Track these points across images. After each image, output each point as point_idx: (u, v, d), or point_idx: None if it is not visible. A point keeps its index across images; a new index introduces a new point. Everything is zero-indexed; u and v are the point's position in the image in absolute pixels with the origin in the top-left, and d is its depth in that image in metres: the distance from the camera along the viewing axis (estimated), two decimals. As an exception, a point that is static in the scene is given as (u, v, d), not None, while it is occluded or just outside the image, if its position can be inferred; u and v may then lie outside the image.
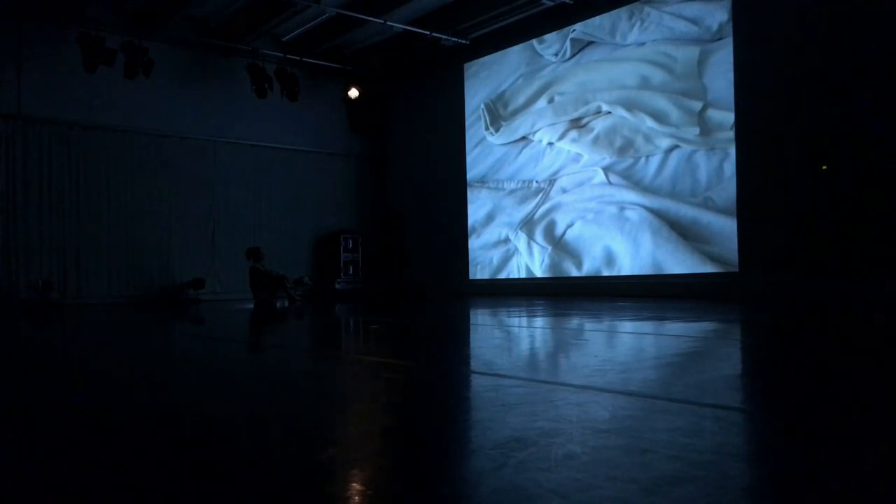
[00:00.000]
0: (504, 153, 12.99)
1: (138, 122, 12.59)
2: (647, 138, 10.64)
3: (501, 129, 13.02)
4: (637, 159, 10.77)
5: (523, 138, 12.60)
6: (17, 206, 11.50)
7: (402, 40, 13.41)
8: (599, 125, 11.32)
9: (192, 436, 2.06)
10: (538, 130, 12.31)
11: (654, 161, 10.53)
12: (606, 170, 11.16)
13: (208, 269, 13.23)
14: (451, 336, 5.52)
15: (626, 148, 10.93)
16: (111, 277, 12.34)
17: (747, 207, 9.35)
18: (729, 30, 9.66)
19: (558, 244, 11.83)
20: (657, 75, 10.56)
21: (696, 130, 10.00)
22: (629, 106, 10.87)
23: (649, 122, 10.58)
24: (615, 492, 1.39)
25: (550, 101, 12.11)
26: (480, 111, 13.41)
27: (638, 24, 10.79)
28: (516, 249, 12.62)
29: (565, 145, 11.85)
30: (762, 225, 9.14)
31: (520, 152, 12.67)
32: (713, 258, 9.74)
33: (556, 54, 12.03)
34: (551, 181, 12.03)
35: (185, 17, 12.58)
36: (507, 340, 4.92)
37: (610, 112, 11.16)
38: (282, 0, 11.78)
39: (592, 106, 11.41)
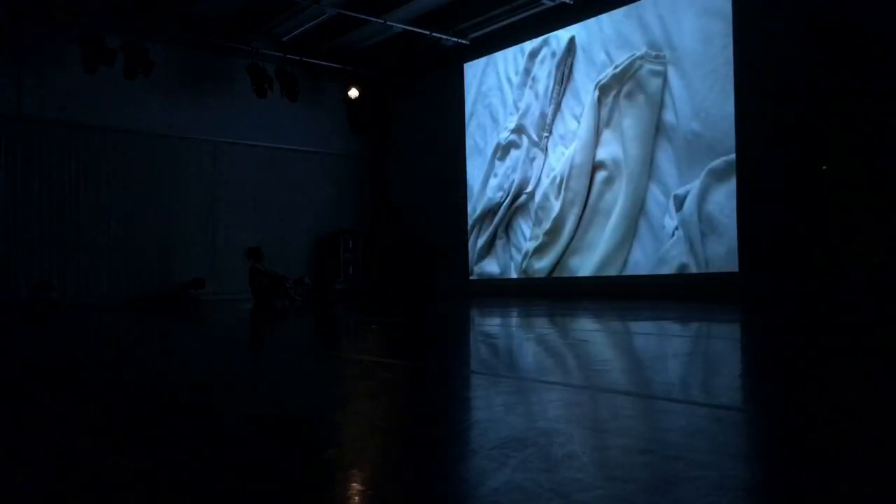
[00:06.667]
0: (503, 152, 12.99)
1: (138, 122, 12.59)
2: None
3: (502, 128, 13.03)
4: (637, 159, 10.77)
5: (522, 136, 12.60)
6: (17, 206, 11.50)
7: (402, 40, 13.41)
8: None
9: (191, 436, 2.06)
10: (537, 129, 12.32)
11: (655, 161, 10.52)
12: (606, 168, 11.16)
13: (208, 269, 13.23)
14: (450, 336, 5.52)
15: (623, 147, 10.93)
16: (111, 277, 12.34)
17: (747, 207, 9.34)
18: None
19: (557, 243, 11.83)
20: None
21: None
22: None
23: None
24: (615, 492, 1.39)
25: (550, 100, 12.11)
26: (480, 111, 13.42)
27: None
28: (515, 247, 12.62)
29: (564, 148, 11.86)
30: (762, 225, 9.14)
31: (519, 151, 12.67)
32: (713, 258, 9.74)
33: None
34: (550, 180, 12.02)
35: (185, 16, 12.58)
36: (506, 340, 4.92)
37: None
38: (282, 0, 11.78)
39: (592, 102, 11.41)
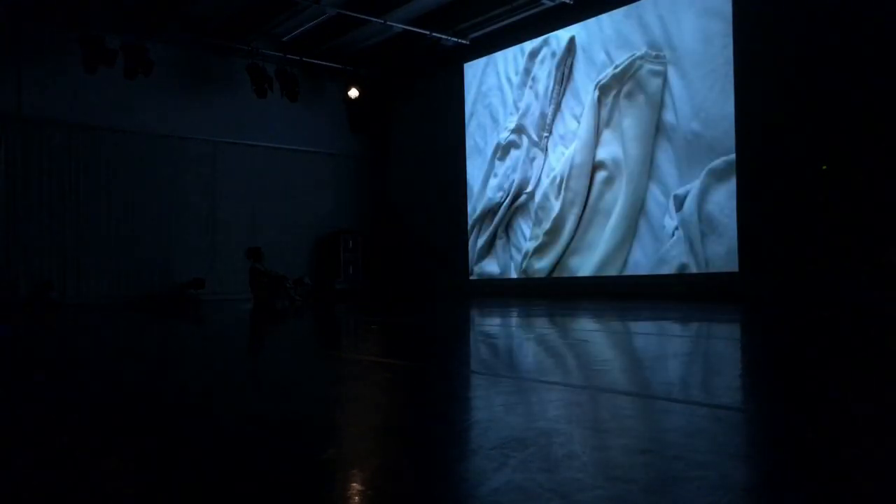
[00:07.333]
0: (503, 152, 12.99)
1: (138, 122, 12.59)
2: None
3: (502, 128, 13.04)
4: (637, 159, 10.77)
5: (522, 136, 12.61)
6: (17, 206, 11.50)
7: (402, 40, 13.41)
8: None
9: (191, 436, 2.06)
10: (537, 129, 12.32)
11: (655, 161, 10.52)
12: (606, 168, 11.16)
13: (208, 269, 13.22)
14: (450, 336, 5.52)
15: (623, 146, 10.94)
16: (111, 277, 12.34)
17: (747, 207, 9.34)
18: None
19: (557, 243, 11.83)
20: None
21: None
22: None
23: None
24: (615, 492, 1.39)
25: (550, 100, 12.11)
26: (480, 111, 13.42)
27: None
28: (515, 247, 12.62)
29: (564, 148, 11.86)
30: (762, 225, 9.14)
31: (519, 151, 12.67)
32: (713, 258, 9.73)
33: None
34: (550, 180, 12.03)
35: (185, 16, 12.58)
36: (506, 340, 4.92)
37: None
38: (282, 0, 11.78)
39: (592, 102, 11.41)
